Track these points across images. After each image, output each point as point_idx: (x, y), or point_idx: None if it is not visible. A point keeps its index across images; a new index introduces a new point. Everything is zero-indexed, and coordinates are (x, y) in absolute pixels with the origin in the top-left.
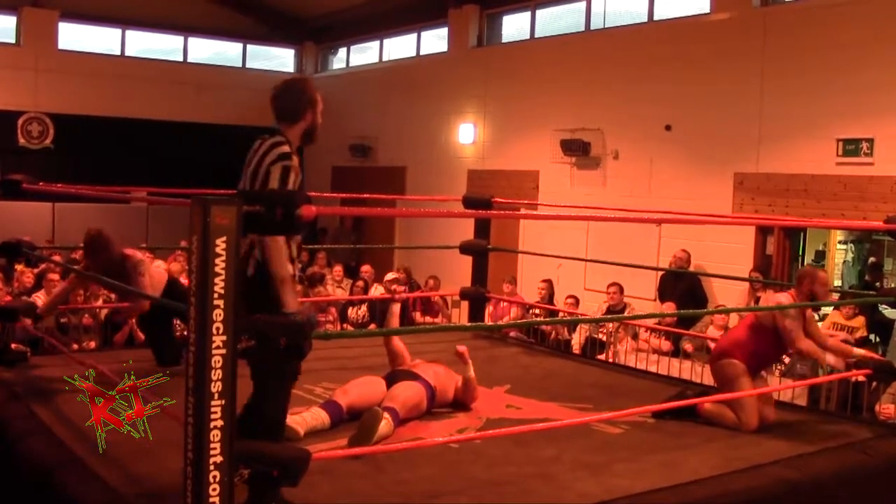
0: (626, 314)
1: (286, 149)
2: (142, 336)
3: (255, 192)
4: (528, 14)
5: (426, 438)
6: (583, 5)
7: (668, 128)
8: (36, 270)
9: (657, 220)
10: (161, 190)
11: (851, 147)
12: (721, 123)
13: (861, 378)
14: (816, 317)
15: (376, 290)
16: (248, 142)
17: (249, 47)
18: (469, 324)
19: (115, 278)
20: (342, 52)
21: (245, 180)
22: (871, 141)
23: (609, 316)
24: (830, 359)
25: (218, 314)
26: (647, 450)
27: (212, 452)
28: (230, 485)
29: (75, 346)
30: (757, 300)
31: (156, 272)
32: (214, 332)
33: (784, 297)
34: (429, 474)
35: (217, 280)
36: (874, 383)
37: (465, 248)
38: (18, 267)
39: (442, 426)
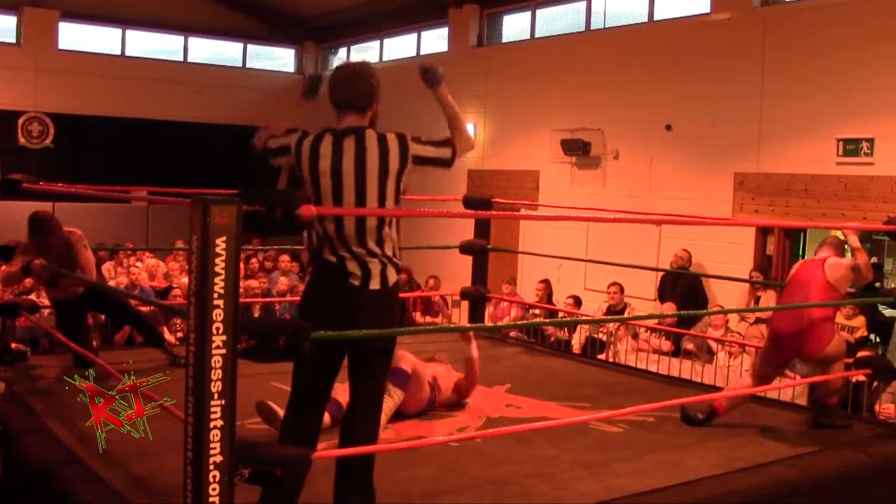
0: (626, 314)
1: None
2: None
3: (255, 191)
4: (528, 14)
5: (426, 437)
6: (583, 5)
7: (668, 128)
8: None
9: (657, 221)
10: (161, 190)
11: (851, 147)
12: (721, 123)
13: (861, 378)
14: None
15: None
16: (248, 142)
17: (250, 47)
18: (469, 324)
19: (57, 259)
20: (342, 52)
21: (350, 181)
22: (871, 141)
23: (609, 316)
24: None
25: (218, 314)
26: (647, 449)
27: (212, 452)
28: (230, 485)
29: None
30: (757, 300)
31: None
32: (214, 332)
33: (846, 261)
34: (429, 474)
35: (217, 280)
36: (874, 383)
37: (464, 248)
38: None
39: (442, 425)
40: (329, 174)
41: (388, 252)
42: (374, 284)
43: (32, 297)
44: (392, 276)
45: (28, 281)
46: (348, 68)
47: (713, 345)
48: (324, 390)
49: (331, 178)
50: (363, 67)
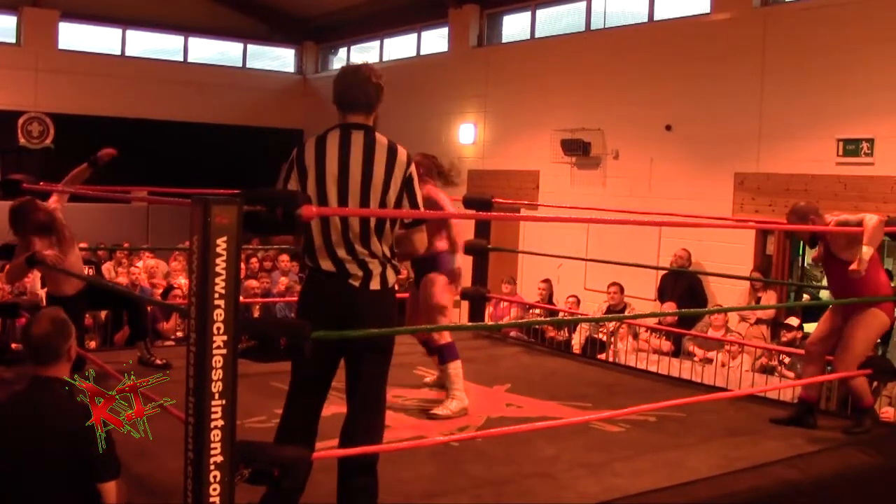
0: (626, 314)
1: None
2: None
3: (256, 191)
4: (528, 14)
5: (426, 437)
6: (583, 5)
7: (668, 128)
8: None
9: (658, 223)
10: (161, 190)
11: (852, 147)
12: (721, 123)
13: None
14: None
15: None
16: (248, 142)
17: (250, 47)
18: (469, 324)
19: (47, 235)
20: (342, 51)
21: (351, 181)
22: (871, 141)
23: (609, 315)
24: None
25: (218, 314)
26: (647, 449)
27: (212, 452)
28: (230, 485)
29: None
30: (757, 300)
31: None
32: (215, 332)
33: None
34: (429, 473)
35: (217, 280)
36: (874, 383)
37: (465, 249)
38: None
39: (442, 425)
40: (336, 174)
41: (388, 253)
42: (375, 285)
43: (37, 286)
44: (391, 277)
45: (29, 281)
46: (358, 69)
47: (710, 353)
48: (322, 390)
49: (337, 178)
50: (371, 69)
